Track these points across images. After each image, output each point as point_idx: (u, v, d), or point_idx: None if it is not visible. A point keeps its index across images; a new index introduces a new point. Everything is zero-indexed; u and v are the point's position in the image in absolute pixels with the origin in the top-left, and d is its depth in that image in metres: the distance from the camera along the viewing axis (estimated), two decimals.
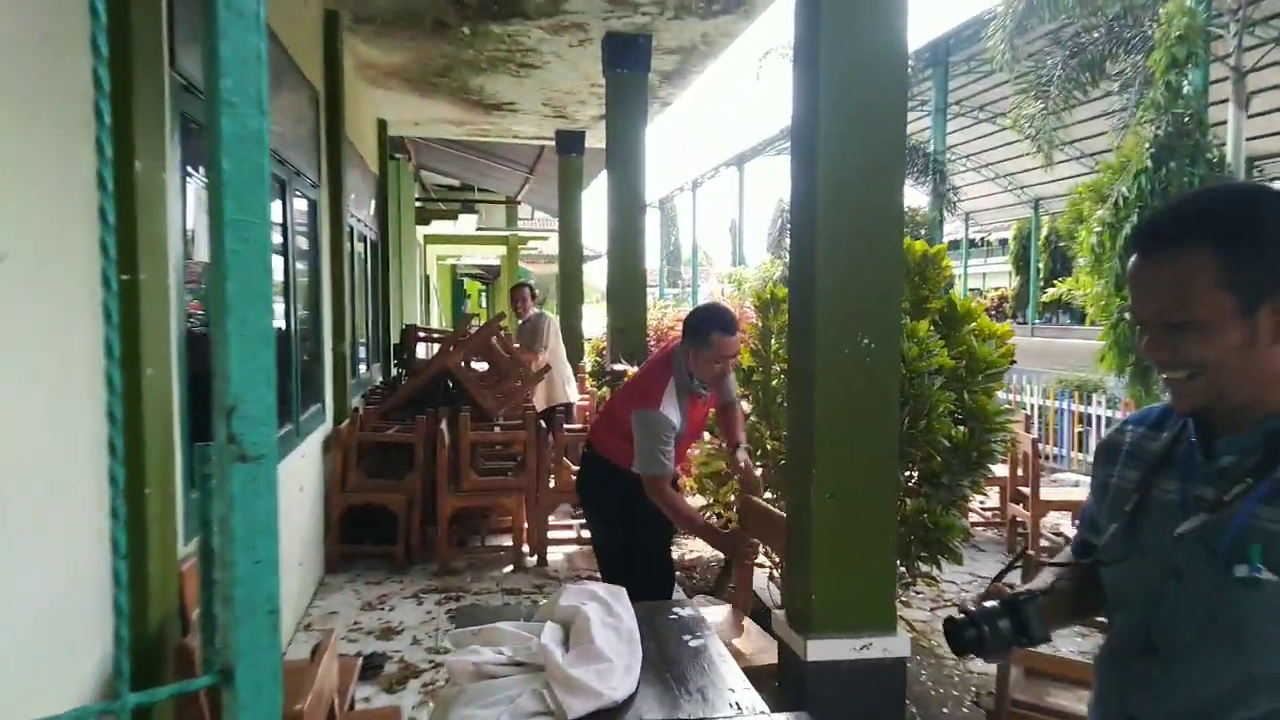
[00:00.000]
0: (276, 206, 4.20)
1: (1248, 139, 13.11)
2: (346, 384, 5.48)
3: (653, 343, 6.91)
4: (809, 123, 2.54)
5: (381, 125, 8.71)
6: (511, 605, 4.33)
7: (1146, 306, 1.11)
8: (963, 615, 1.22)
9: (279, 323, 4.25)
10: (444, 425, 5.04)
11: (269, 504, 0.70)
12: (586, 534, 5.06)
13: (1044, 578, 1.37)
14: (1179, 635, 1.12)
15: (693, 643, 2.05)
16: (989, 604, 1.22)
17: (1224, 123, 10.36)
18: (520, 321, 7.34)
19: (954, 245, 39.32)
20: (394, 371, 8.48)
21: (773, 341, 4.39)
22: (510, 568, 5.12)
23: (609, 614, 1.90)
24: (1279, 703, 1.03)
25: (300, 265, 4.71)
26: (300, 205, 4.70)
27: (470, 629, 1.96)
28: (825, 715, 2.37)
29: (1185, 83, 7.93)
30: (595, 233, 12.63)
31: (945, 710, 3.65)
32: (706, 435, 5.04)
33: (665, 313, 8.43)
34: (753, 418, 4.52)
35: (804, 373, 2.59)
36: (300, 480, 4.31)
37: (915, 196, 23.15)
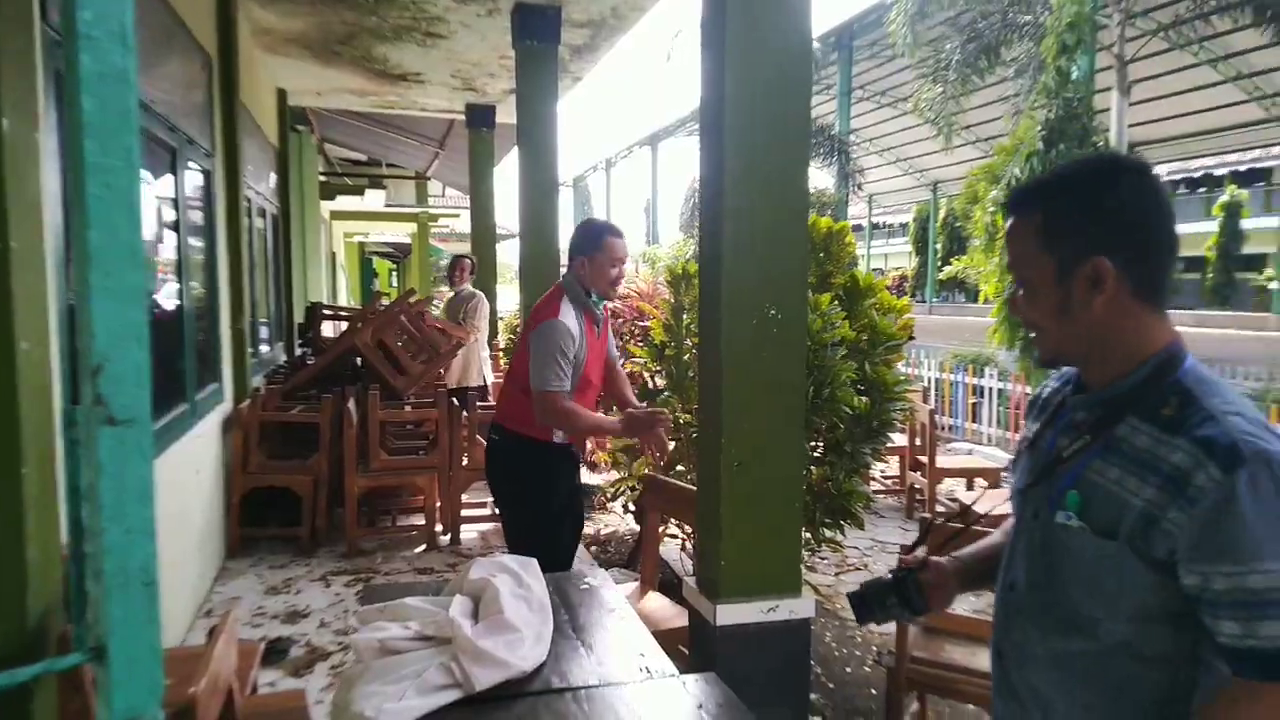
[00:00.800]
0: (167, 178, 3.99)
1: (1130, 125, 13.83)
2: (246, 363, 5.27)
3: None
4: (716, 102, 2.56)
5: (281, 95, 8.35)
6: (422, 582, 4.28)
7: (1007, 264, 1.20)
8: (859, 593, 1.38)
9: (172, 300, 4.06)
10: (351, 404, 4.92)
11: (142, 469, 0.67)
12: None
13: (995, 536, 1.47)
14: (1027, 571, 1.22)
15: (604, 611, 2.07)
16: (881, 580, 1.37)
17: (1109, 109, 10.91)
18: (453, 293, 7.28)
19: (858, 228, 40.45)
20: (298, 351, 8.21)
21: (685, 316, 4.43)
22: (423, 547, 5.05)
23: (519, 585, 1.89)
24: (1089, 644, 1.12)
25: (194, 239, 4.50)
26: (193, 176, 4.48)
27: (377, 606, 1.92)
28: (734, 677, 2.41)
29: (1074, 68, 8.31)
30: (509, 210, 12.45)
31: (849, 670, 3.79)
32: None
33: None
34: (666, 392, 4.56)
35: (713, 344, 2.63)
36: (197, 462, 4.14)
37: (822, 177, 23.68)
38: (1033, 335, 1.20)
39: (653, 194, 34.71)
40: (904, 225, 43.49)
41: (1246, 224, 30.06)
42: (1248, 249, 30.11)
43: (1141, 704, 1.10)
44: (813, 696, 3.56)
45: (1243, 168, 29.49)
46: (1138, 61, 12.97)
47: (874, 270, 38.42)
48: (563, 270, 3.44)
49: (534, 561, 2.04)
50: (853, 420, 3.88)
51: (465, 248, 12.25)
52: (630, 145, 34.79)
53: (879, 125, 30.33)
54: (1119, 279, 1.09)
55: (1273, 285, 26.46)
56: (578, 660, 1.78)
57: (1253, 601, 0.96)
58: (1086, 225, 1.10)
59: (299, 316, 8.59)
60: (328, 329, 8.23)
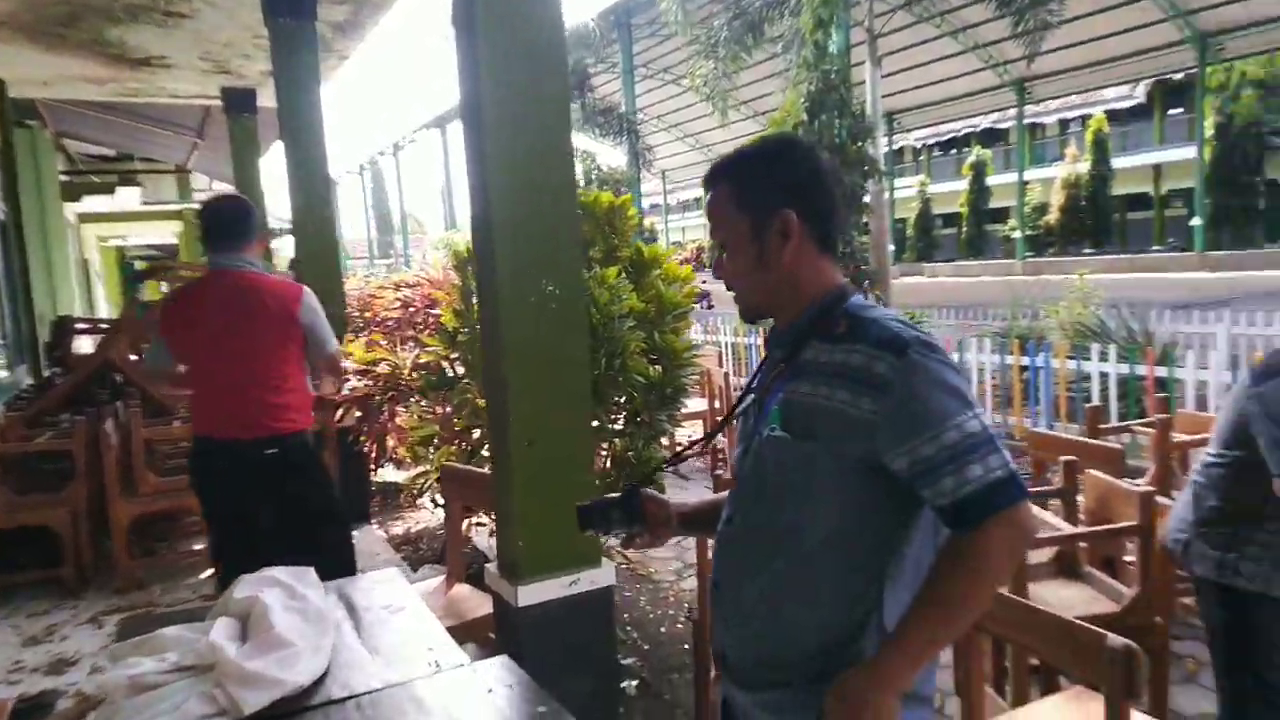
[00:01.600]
0: None
1: (886, 95, 14.98)
2: None
3: (355, 313, 6.56)
4: (473, 85, 2.50)
5: None
6: (186, 610, 3.97)
7: (710, 233, 1.36)
8: (586, 505, 1.45)
9: None
10: (109, 425, 4.44)
11: None
12: None
13: None
14: (739, 500, 1.36)
15: (392, 610, 1.99)
16: (610, 496, 1.46)
17: (865, 81, 11.78)
18: None
19: (656, 205, 41.63)
20: (47, 372, 7.31)
21: (474, 299, 4.34)
22: (210, 572, 4.66)
23: (293, 597, 1.78)
24: (794, 554, 1.25)
25: None
26: None
27: (132, 640, 1.75)
28: (540, 654, 2.42)
29: (830, 43, 8.87)
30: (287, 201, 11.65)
31: (663, 630, 3.91)
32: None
33: (368, 280, 8.02)
34: (465, 379, 4.46)
35: (494, 326, 2.59)
36: None
37: (614, 156, 23.99)
38: (734, 292, 1.35)
39: (446, 177, 33.76)
40: (698, 199, 45.08)
41: (991, 180, 33.63)
42: (994, 203, 33.72)
43: (841, 608, 1.23)
44: (628, 660, 3.65)
45: (983, 128, 32.95)
46: (888, 35, 14.06)
47: (674, 244, 39.55)
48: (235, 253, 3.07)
49: (310, 571, 1.94)
50: (646, 389, 3.96)
51: None
52: (416, 128, 33.58)
53: (666, 102, 31.12)
54: (803, 229, 1.27)
55: (1015, 235, 29.78)
56: (361, 666, 1.70)
57: (955, 454, 1.13)
58: (772, 186, 1.29)
59: (45, 334, 7.65)
60: (88, 345, 7.39)
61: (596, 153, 21.31)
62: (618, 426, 4.11)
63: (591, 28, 20.24)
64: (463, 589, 3.12)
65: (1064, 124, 33.15)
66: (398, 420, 5.42)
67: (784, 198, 1.27)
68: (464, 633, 2.90)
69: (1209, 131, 25.10)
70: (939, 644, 1.20)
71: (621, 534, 1.46)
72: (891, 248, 32.53)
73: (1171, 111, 29.77)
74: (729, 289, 1.35)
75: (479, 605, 2.96)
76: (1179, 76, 25.44)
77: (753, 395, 1.39)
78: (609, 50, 22.17)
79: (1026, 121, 29.18)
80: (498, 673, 1.67)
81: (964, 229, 34.54)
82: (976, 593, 1.17)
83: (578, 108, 20.34)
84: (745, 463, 1.35)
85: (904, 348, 1.17)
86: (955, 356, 7.37)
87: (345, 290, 6.59)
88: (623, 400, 4.03)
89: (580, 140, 23.06)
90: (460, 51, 2.57)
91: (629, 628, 3.96)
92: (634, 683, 3.47)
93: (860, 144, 8.56)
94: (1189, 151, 25.75)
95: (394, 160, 37.35)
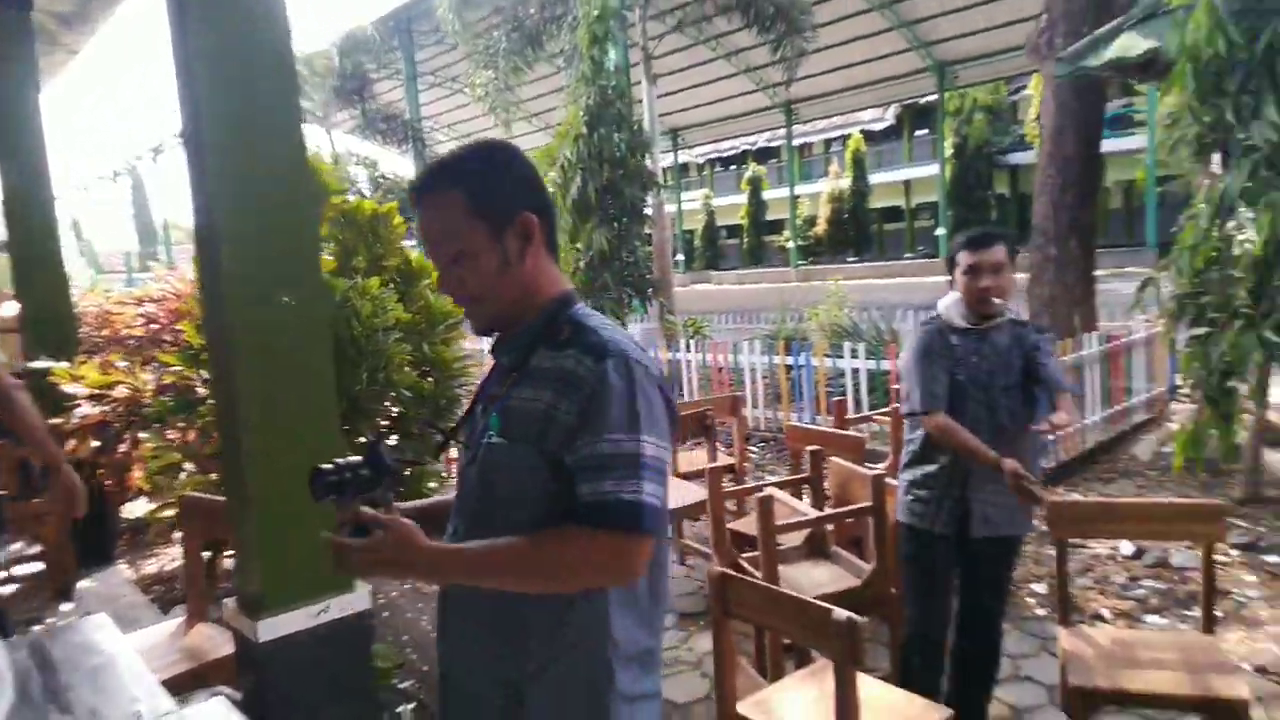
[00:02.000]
0: None
1: (668, 113, 15.49)
2: None
3: (93, 330, 5.89)
4: (187, 76, 2.31)
5: None
6: None
7: (430, 248, 1.28)
8: (329, 465, 1.21)
9: None
10: None
11: None
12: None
13: None
14: (465, 507, 1.34)
15: (94, 661, 1.78)
16: (352, 457, 1.26)
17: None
18: None
19: None
20: None
21: None
22: None
23: None
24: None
25: None
26: None
27: None
28: (286, 692, 2.27)
29: (607, 59, 9.07)
30: None
31: None
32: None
33: (107, 295, 7.20)
34: (211, 400, 4.11)
35: (223, 340, 2.40)
36: None
37: (402, 164, 23.27)
38: (468, 305, 1.31)
39: None
40: None
41: (767, 195, 35.93)
42: (771, 216, 36.02)
43: (564, 620, 1.23)
44: (406, 684, 3.51)
45: (759, 146, 35.12)
46: (667, 56, 14.60)
47: None
48: None
49: None
50: (417, 402, 3.84)
51: None
52: (179, 131, 30.77)
53: (456, 111, 30.53)
54: (540, 231, 1.27)
55: (789, 245, 31.89)
56: None
57: (601, 463, 1.16)
58: (506, 189, 1.26)
59: None
60: None
61: (379, 160, 20.56)
62: (391, 442, 3.96)
63: (371, 33, 19.51)
64: (205, 628, 2.87)
65: (828, 143, 36.02)
66: (142, 448, 4.92)
67: (522, 199, 1.27)
68: (207, 675, 2.67)
69: (949, 151, 28.19)
70: (480, 579, 1.22)
71: (367, 497, 1.24)
72: (681, 257, 34.01)
73: (918, 132, 33.12)
74: (465, 301, 1.30)
75: (223, 645, 2.72)
76: (923, 101, 28.37)
77: (480, 404, 1.37)
78: (391, 56, 21.44)
79: (796, 141, 31.35)
80: (214, 717, 1.54)
81: (745, 239, 36.64)
82: (539, 575, 1.19)
83: (359, 114, 19.53)
84: (470, 471, 1.32)
85: (604, 356, 1.19)
86: (731, 359, 7.76)
87: (79, 308, 5.94)
88: (395, 414, 3.88)
89: (363, 147, 22.17)
90: (174, 43, 2.36)
91: (409, 649, 3.82)
92: (409, 706, 3.34)
93: (639, 157, 8.80)
94: (933, 169, 28.83)
95: (154, 165, 34.06)
